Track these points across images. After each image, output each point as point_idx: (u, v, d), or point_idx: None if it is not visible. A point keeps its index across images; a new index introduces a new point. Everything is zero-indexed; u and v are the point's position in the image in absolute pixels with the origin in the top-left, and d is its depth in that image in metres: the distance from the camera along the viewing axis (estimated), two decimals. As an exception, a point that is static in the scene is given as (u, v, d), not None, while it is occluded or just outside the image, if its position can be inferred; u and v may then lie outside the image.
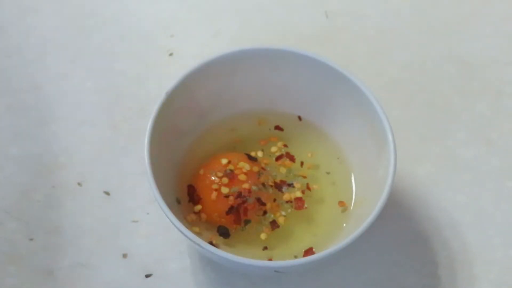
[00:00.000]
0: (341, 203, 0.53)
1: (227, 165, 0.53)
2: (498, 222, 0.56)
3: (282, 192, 0.53)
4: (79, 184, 0.57)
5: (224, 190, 0.52)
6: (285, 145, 0.56)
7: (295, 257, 0.50)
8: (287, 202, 0.53)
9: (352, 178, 0.54)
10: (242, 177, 0.52)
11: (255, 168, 0.53)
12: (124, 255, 0.54)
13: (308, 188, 0.54)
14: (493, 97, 0.62)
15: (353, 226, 0.50)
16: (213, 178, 0.52)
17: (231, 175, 0.52)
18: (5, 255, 0.54)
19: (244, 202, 0.52)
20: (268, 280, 0.53)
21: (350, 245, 0.47)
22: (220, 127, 0.56)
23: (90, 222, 0.55)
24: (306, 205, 0.53)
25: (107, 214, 0.55)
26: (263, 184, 0.53)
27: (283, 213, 0.53)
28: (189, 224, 0.51)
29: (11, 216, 0.55)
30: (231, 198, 0.52)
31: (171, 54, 0.63)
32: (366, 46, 0.64)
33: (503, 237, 0.55)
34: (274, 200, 0.53)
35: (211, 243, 0.49)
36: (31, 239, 0.54)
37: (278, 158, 0.55)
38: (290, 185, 0.54)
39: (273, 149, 0.55)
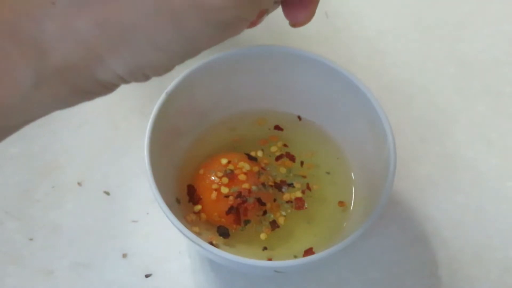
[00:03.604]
0: (341, 203, 0.53)
1: (227, 165, 0.53)
2: (498, 222, 0.56)
3: (282, 192, 0.53)
4: (79, 184, 0.57)
5: (224, 190, 0.52)
6: (285, 145, 0.56)
7: (295, 257, 0.50)
8: (287, 202, 0.53)
9: (352, 178, 0.54)
10: (242, 177, 0.52)
11: (255, 168, 0.53)
12: (124, 255, 0.54)
13: (308, 188, 0.54)
14: (493, 97, 0.62)
15: (353, 226, 0.50)
16: (213, 178, 0.52)
17: (231, 175, 0.52)
18: (5, 255, 0.54)
19: (244, 202, 0.51)
20: (268, 280, 0.53)
21: (350, 245, 0.47)
22: (220, 127, 0.56)
23: (90, 222, 0.55)
24: (306, 205, 0.53)
25: (107, 214, 0.55)
26: (263, 184, 0.53)
27: (283, 213, 0.53)
28: (189, 224, 0.51)
29: (11, 216, 0.55)
30: (231, 198, 0.52)
31: (171, 54, 0.63)
32: (366, 46, 0.64)
33: (503, 238, 0.55)
34: (274, 200, 0.53)
35: (211, 243, 0.49)
36: (31, 239, 0.54)
37: (278, 158, 0.55)
38: (290, 185, 0.54)
39: (273, 149, 0.55)
